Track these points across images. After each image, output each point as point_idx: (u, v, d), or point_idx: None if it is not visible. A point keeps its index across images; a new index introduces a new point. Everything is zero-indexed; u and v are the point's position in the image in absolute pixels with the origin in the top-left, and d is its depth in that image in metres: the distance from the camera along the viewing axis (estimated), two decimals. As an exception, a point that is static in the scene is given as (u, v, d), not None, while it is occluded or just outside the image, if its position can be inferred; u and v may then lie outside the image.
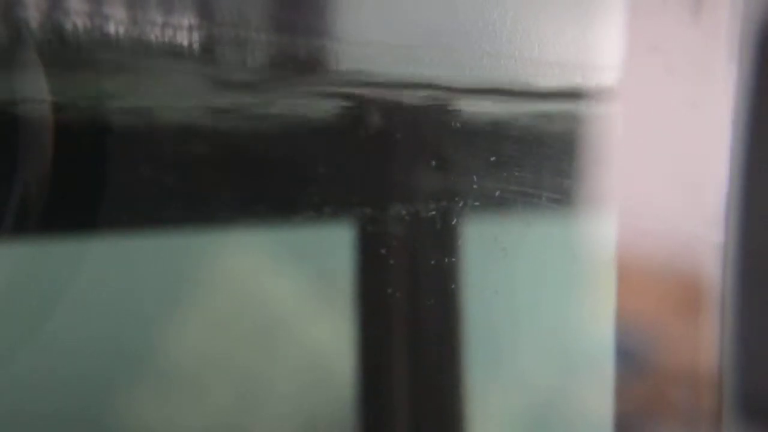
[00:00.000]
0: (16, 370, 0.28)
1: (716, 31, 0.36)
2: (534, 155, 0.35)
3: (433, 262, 0.33)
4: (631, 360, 0.41)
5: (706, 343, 0.40)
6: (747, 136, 0.38)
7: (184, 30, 0.27)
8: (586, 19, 0.35)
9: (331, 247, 0.33)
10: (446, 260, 0.34)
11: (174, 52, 0.27)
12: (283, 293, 0.33)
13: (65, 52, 0.26)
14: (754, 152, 0.38)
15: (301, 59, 0.30)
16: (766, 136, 0.38)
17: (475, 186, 0.33)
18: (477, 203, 0.33)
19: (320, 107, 0.31)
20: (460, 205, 0.33)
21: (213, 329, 0.31)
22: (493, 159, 0.33)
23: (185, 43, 0.27)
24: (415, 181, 0.32)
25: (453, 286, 0.34)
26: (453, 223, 0.33)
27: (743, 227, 0.39)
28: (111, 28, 0.26)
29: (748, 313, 0.42)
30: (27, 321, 0.27)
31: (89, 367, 0.29)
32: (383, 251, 0.32)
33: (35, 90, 0.26)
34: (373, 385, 0.34)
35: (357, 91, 0.31)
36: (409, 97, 0.32)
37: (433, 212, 0.33)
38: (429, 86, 0.32)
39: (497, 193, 0.34)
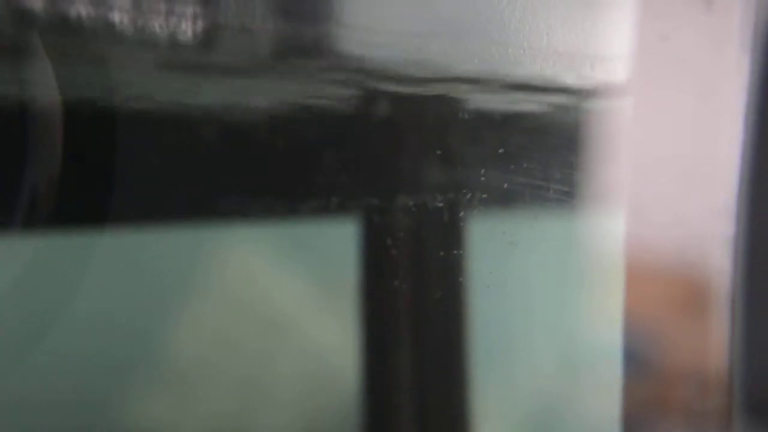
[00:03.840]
0: (22, 365, 0.28)
1: (729, 21, 0.36)
2: (542, 148, 0.34)
3: (440, 255, 0.33)
4: (639, 357, 0.40)
5: (715, 340, 0.40)
6: (759, 128, 0.37)
7: (188, 18, 0.27)
8: (595, 7, 0.35)
9: (337, 240, 0.32)
10: (453, 253, 0.33)
11: (178, 41, 0.27)
12: (291, 286, 0.33)
13: (72, 43, 0.25)
14: (766, 145, 0.37)
15: (307, 46, 0.29)
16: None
17: (483, 178, 0.33)
18: (485, 196, 0.33)
19: (327, 96, 0.30)
20: (468, 197, 0.32)
21: (220, 323, 0.31)
22: (501, 151, 0.33)
23: (189, 31, 0.27)
24: (423, 172, 0.32)
25: (460, 280, 0.34)
26: (461, 215, 0.32)
27: (754, 221, 0.39)
28: (116, 18, 0.26)
29: (758, 311, 0.42)
30: (37, 316, 0.27)
31: (87, 364, 0.29)
32: (390, 243, 0.32)
33: (43, 83, 0.25)
34: (378, 377, 0.34)
35: (364, 80, 0.31)
36: (417, 87, 0.31)
37: (441, 204, 0.32)
38: (437, 76, 0.32)
39: (505, 186, 0.33)
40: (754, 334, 0.42)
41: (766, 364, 0.43)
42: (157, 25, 0.26)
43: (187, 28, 0.27)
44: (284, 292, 0.33)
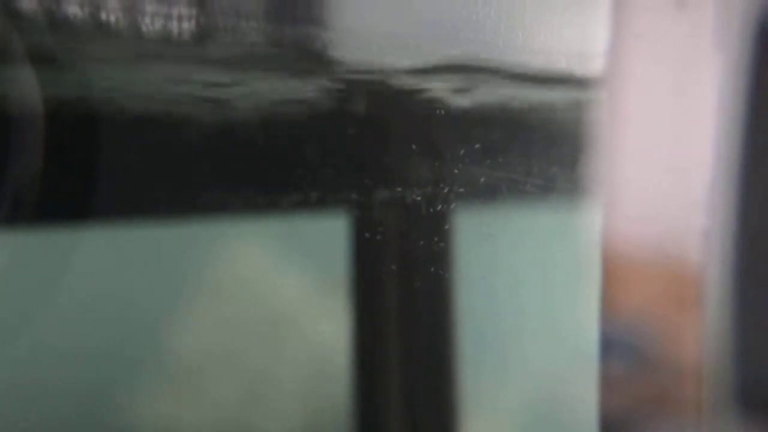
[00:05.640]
0: (10, 364, 0.28)
1: (702, 19, 0.36)
2: (520, 142, 0.34)
3: (420, 247, 0.33)
4: (618, 350, 0.41)
5: (697, 332, 0.40)
6: (734, 122, 0.38)
7: (175, 18, 0.27)
8: (571, 6, 0.35)
9: (321, 235, 0.32)
10: (433, 246, 0.33)
11: (165, 40, 0.27)
12: (276, 282, 0.33)
13: (54, 41, 0.26)
14: (740, 139, 0.38)
15: (289, 45, 0.30)
16: (752, 124, 0.38)
17: (462, 172, 0.33)
18: (463, 189, 0.33)
19: (308, 93, 0.31)
20: (446, 191, 0.33)
21: (210, 320, 0.31)
22: (478, 146, 0.33)
23: (177, 30, 0.27)
24: (402, 166, 0.32)
25: (441, 272, 0.34)
26: (439, 208, 0.33)
27: (730, 213, 0.39)
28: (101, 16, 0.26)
29: (740, 301, 0.42)
30: (22, 311, 0.27)
31: (86, 362, 0.30)
32: (369, 237, 0.32)
33: (24, 80, 0.25)
34: (367, 371, 0.34)
35: (344, 77, 0.31)
36: (396, 84, 0.32)
37: (419, 198, 0.32)
38: (415, 73, 0.32)
39: (482, 180, 0.33)
40: (737, 325, 0.42)
41: (750, 355, 0.43)
42: (141, 21, 0.27)
43: (173, 26, 0.27)
44: (278, 285, 0.33)
